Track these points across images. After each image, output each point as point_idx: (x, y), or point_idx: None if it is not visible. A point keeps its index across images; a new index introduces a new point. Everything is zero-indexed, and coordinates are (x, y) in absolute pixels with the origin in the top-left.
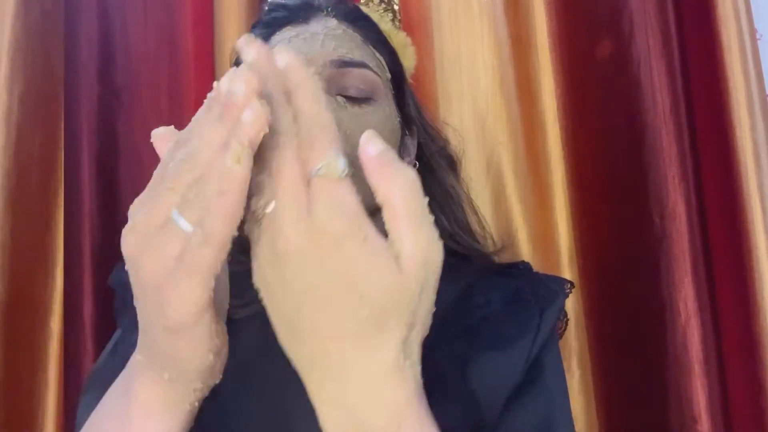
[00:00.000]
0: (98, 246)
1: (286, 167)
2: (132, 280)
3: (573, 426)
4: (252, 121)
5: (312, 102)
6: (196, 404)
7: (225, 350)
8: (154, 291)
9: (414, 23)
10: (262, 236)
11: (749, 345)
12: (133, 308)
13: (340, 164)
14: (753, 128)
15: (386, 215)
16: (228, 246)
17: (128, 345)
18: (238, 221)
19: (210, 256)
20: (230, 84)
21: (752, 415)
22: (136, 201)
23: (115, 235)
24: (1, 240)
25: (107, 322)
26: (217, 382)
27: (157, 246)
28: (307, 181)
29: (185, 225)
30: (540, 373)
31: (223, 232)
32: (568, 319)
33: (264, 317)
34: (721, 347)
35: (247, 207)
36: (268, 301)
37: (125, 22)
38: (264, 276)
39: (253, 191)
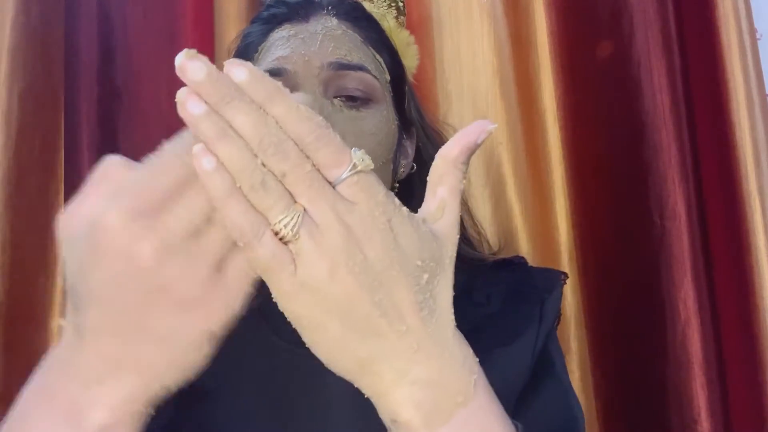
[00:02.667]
0: None
1: (311, 178)
2: None
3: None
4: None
5: (295, 110)
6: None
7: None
8: None
9: (414, 23)
10: (309, 242)
11: (749, 345)
12: None
13: (367, 158)
14: (753, 128)
15: (440, 189)
16: None
17: None
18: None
19: None
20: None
21: (752, 415)
22: None
23: None
24: (1, 240)
25: None
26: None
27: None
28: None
29: None
30: (551, 365)
31: None
32: (561, 314)
33: (256, 314)
34: (721, 347)
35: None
36: (326, 308)
37: (125, 22)
38: (320, 285)
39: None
